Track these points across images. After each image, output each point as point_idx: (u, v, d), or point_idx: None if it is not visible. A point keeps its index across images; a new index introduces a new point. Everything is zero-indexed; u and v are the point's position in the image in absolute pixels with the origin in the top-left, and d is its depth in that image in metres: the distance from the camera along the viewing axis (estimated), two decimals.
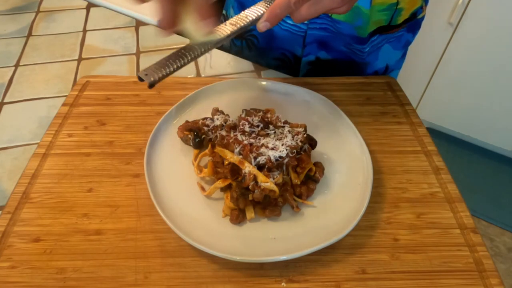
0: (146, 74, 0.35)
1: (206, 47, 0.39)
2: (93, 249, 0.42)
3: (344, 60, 0.71)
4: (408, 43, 0.73)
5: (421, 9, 0.69)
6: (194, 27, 0.36)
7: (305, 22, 0.65)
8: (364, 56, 0.69)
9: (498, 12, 1.47)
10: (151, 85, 0.35)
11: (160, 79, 0.35)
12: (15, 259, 0.41)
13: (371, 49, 0.69)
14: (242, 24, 0.41)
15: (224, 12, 0.80)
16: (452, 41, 1.61)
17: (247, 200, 0.43)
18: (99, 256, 0.42)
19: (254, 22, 0.42)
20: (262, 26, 0.41)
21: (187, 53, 0.38)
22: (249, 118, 0.49)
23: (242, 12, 0.43)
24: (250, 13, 0.42)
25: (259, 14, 0.42)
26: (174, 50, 0.39)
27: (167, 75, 0.36)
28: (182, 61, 0.37)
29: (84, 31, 0.81)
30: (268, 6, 0.42)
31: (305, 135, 0.47)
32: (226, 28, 0.40)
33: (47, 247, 0.42)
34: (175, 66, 0.37)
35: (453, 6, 1.52)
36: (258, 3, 0.43)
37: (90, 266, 0.41)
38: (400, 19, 0.66)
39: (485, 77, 1.64)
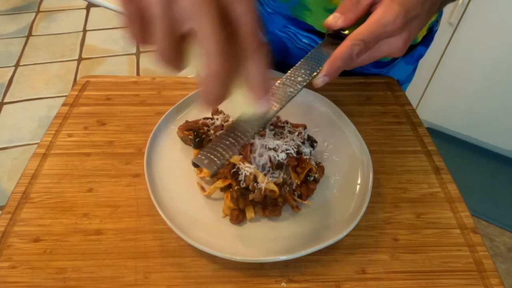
0: (206, 162, 0.31)
1: (258, 125, 0.32)
2: (93, 249, 0.42)
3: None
4: (421, 56, 0.71)
5: (437, 22, 0.68)
6: (245, 101, 0.30)
7: (320, 42, 0.65)
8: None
9: (498, 12, 1.47)
10: (214, 175, 0.32)
11: (222, 166, 0.31)
12: (15, 259, 0.41)
13: (387, 70, 0.68)
14: (294, 91, 0.35)
15: None
16: (452, 41, 1.61)
17: (247, 200, 0.43)
18: (99, 256, 0.42)
19: (304, 85, 0.36)
20: (320, 82, 0.37)
21: (239, 137, 0.32)
22: None
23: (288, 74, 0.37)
24: (297, 78, 0.37)
25: (306, 73, 0.37)
26: (224, 132, 0.33)
27: (227, 159, 0.32)
28: (236, 148, 0.32)
29: (84, 31, 0.81)
30: (310, 66, 0.37)
31: (305, 135, 0.47)
32: (277, 99, 0.34)
33: (47, 247, 0.42)
34: (230, 154, 0.32)
35: (453, 6, 1.52)
36: (299, 62, 0.38)
37: (90, 266, 0.41)
38: (420, 37, 0.65)
39: (485, 77, 1.63)
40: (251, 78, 0.28)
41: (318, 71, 0.37)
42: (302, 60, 0.38)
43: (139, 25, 0.27)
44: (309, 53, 0.39)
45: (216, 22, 0.25)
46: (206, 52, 0.26)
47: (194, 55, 0.28)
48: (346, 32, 0.38)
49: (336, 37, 0.39)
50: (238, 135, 0.32)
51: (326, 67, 0.36)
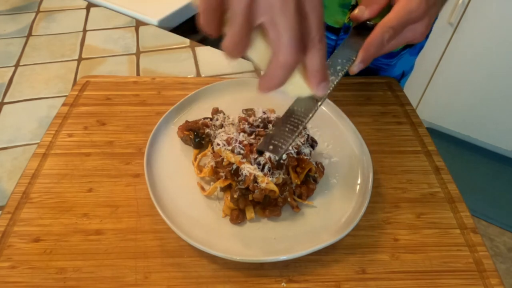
0: (271, 147, 0.33)
1: (313, 108, 0.35)
2: (93, 249, 0.42)
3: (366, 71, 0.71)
4: (422, 47, 0.73)
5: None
6: (303, 85, 0.32)
7: (333, 37, 0.66)
8: (388, 68, 0.69)
9: (498, 12, 1.47)
10: (280, 159, 0.34)
11: (286, 150, 0.34)
12: (15, 259, 0.41)
13: (396, 60, 0.69)
14: (336, 79, 0.37)
15: None
16: (452, 41, 1.61)
17: (247, 200, 0.43)
18: (99, 256, 0.42)
19: (343, 73, 0.39)
20: (356, 69, 0.40)
21: (298, 121, 0.35)
22: (249, 118, 0.49)
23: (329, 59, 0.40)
24: (337, 67, 0.39)
25: (342, 63, 0.39)
26: (281, 119, 0.35)
27: (291, 143, 0.34)
28: (297, 132, 0.34)
29: (84, 31, 0.81)
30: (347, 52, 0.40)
31: (305, 135, 0.47)
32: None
33: (47, 247, 0.42)
34: (293, 138, 0.34)
35: (453, 6, 1.52)
36: (335, 53, 0.40)
37: (90, 266, 0.41)
38: None
39: (485, 77, 1.64)
40: (312, 66, 0.30)
41: (354, 59, 0.40)
42: (336, 51, 0.41)
43: (216, 16, 0.29)
44: (340, 44, 0.42)
45: (295, 14, 0.27)
46: (280, 42, 0.28)
47: (259, 46, 0.30)
48: (372, 22, 0.42)
49: (363, 28, 0.42)
50: (296, 120, 0.35)
51: (361, 54, 0.39)
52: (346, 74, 0.39)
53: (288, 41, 0.28)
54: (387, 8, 0.41)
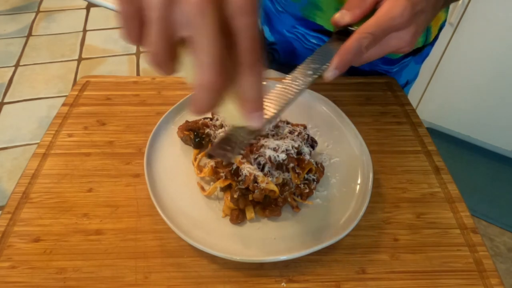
0: (221, 152, 0.31)
1: (251, 136, 0.32)
2: (93, 249, 0.42)
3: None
4: (427, 55, 0.72)
5: (444, 22, 0.69)
6: (237, 113, 0.29)
7: None
8: (390, 75, 0.69)
9: (498, 12, 1.47)
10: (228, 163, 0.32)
11: (236, 155, 0.32)
12: (15, 259, 0.41)
13: (399, 68, 0.68)
14: (304, 85, 0.35)
15: None
16: (452, 41, 1.61)
17: (247, 200, 0.43)
18: (99, 256, 0.42)
19: (312, 81, 0.36)
20: (331, 75, 0.37)
21: (236, 143, 0.32)
22: None
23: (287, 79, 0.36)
24: (308, 72, 0.36)
25: (315, 69, 0.37)
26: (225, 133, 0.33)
27: (239, 151, 0.32)
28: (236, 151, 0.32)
29: (84, 31, 0.81)
30: (307, 73, 0.37)
31: (305, 135, 0.47)
32: (273, 106, 0.33)
33: (47, 247, 0.42)
34: (246, 141, 0.31)
35: (453, 6, 1.52)
36: (307, 59, 0.38)
37: (90, 266, 0.41)
38: (431, 37, 0.67)
39: (485, 77, 1.63)
40: (244, 93, 0.27)
41: (327, 65, 0.37)
42: (311, 56, 0.38)
43: (135, 24, 0.27)
44: (317, 49, 0.39)
45: (216, 33, 0.24)
46: (200, 62, 0.25)
47: (188, 61, 0.28)
48: (354, 28, 0.39)
49: (344, 33, 0.39)
50: (234, 142, 0.32)
51: (335, 60, 0.36)
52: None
53: (207, 61, 0.25)
54: (371, 14, 0.38)
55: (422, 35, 0.64)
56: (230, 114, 0.29)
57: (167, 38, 0.26)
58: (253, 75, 0.27)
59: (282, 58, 0.72)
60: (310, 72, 0.36)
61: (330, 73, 0.37)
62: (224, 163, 0.31)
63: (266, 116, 0.30)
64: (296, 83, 0.35)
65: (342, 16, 0.39)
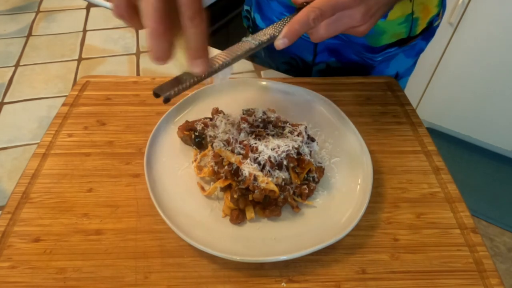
0: (161, 89, 0.35)
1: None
2: (93, 249, 0.42)
3: (354, 68, 0.71)
4: (421, 50, 0.73)
5: (437, 17, 0.69)
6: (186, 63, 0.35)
7: None
8: (375, 64, 0.69)
9: (498, 12, 1.47)
10: (167, 100, 0.35)
11: (176, 94, 0.35)
12: (15, 259, 0.41)
13: (384, 58, 0.69)
14: (253, 46, 0.39)
15: (247, 8, 0.80)
16: (452, 41, 1.61)
17: (247, 200, 0.43)
18: (99, 256, 0.42)
19: (265, 43, 0.40)
20: (280, 43, 0.40)
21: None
22: (249, 118, 0.49)
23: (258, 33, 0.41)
24: (263, 33, 0.41)
25: (271, 34, 0.41)
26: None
27: (183, 90, 0.36)
28: (196, 78, 0.36)
29: (84, 31, 0.81)
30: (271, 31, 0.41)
31: (305, 135, 0.47)
32: (221, 58, 0.38)
33: (47, 247, 0.42)
34: (190, 82, 0.36)
35: (453, 6, 1.52)
36: (269, 26, 0.42)
37: (90, 266, 0.41)
38: (418, 29, 0.67)
39: (485, 77, 1.64)
40: (187, 43, 0.32)
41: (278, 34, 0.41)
42: (269, 26, 0.42)
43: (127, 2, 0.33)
44: (276, 22, 0.42)
45: None
46: (144, 12, 0.31)
47: (180, 50, 0.33)
48: None
49: None
50: (181, 83, 0.36)
51: (284, 29, 0.40)
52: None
53: (149, 11, 0.30)
54: None
55: (405, 25, 0.64)
56: (181, 62, 0.35)
57: None
58: (194, 27, 0.32)
59: (271, 46, 0.73)
60: (264, 38, 0.40)
61: (280, 41, 0.40)
62: (164, 101, 0.34)
63: (209, 64, 0.36)
64: (248, 44, 0.40)
65: None
